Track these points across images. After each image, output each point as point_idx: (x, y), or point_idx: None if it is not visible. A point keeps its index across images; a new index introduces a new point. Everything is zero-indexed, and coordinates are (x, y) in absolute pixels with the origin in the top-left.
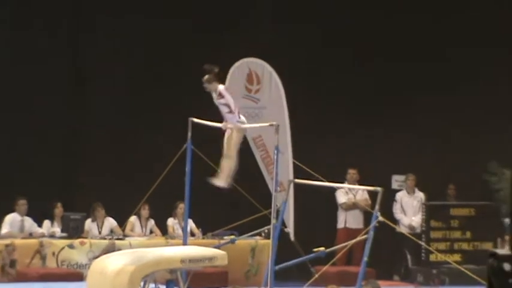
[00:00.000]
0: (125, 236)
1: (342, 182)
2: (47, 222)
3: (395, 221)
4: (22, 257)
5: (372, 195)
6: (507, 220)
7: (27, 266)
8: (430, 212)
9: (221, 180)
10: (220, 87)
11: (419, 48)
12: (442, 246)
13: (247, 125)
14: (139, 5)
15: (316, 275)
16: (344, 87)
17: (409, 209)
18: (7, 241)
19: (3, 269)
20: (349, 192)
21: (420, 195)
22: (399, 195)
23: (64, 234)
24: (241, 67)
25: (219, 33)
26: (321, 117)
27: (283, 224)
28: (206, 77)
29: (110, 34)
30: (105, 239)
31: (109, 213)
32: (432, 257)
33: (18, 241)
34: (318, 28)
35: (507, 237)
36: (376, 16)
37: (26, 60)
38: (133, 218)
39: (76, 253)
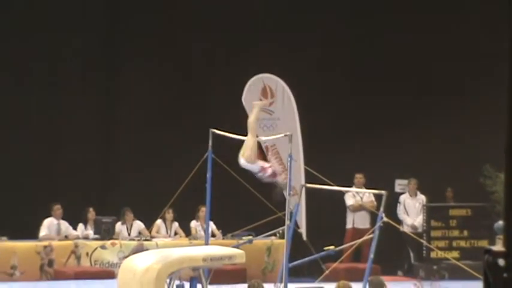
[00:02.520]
0: (152, 237)
1: (350, 186)
2: (81, 226)
3: (399, 222)
4: (59, 257)
5: (377, 198)
6: (497, 224)
7: (64, 265)
8: (431, 213)
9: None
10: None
11: (420, 63)
12: (441, 244)
13: (264, 138)
14: (169, 25)
15: (327, 271)
16: (351, 99)
17: (412, 211)
18: (45, 243)
19: (42, 268)
20: (356, 195)
21: (422, 197)
22: (402, 198)
23: (97, 236)
24: (256, 82)
25: (237, 51)
26: (330, 127)
27: (296, 225)
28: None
29: (139, 53)
30: (133, 240)
31: (137, 217)
32: (433, 254)
33: (55, 243)
34: (325, 46)
35: (500, 237)
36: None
37: (63, 75)
38: (159, 221)
39: (108, 253)
